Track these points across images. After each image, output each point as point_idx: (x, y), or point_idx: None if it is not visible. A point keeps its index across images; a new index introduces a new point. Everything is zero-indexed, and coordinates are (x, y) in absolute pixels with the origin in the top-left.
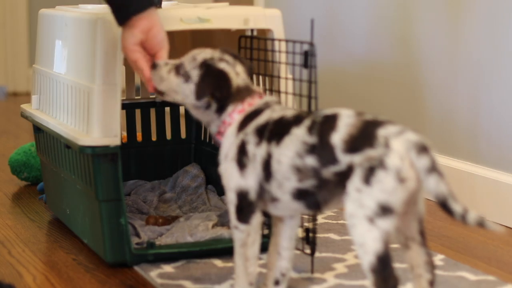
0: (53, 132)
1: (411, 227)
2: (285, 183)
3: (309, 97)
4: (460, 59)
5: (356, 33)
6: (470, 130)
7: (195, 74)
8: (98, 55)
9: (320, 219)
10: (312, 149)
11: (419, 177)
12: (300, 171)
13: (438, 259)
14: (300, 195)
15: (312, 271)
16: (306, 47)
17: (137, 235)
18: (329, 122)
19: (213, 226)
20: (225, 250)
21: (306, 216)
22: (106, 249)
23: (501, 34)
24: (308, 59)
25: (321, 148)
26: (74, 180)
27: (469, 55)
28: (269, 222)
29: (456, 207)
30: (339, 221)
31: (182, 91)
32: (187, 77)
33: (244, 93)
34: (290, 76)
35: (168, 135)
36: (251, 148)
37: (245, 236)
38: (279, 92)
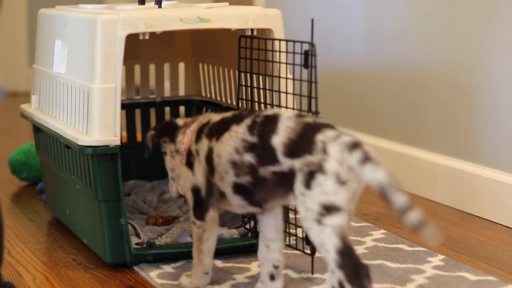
0: (52, 132)
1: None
2: (225, 176)
3: (309, 97)
4: (460, 58)
5: (356, 33)
6: (470, 130)
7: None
8: (98, 55)
9: None
10: (251, 147)
11: (359, 177)
12: (237, 166)
13: (439, 259)
14: (238, 189)
15: (312, 272)
16: (306, 47)
17: (137, 235)
18: (270, 123)
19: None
20: (225, 250)
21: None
22: (106, 249)
23: (501, 34)
24: (308, 59)
25: (261, 148)
26: (73, 180)
27: (469, 54)
28: (254, 228)
29: (398, 199)
30: None
31: (175, 165)
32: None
33: (185, 125)
34: (290, 76)
35: None
36: (193, 146)
37: (201, 231)
38: (279, 92)
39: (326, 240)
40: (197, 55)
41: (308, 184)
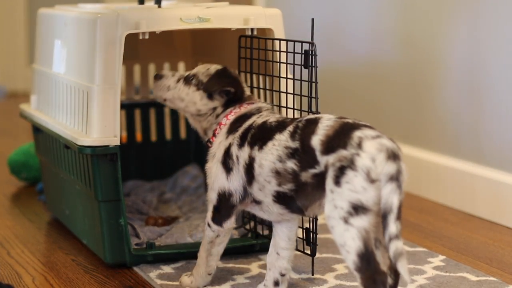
0: (52, 132)
1: (379, 229)
2: (266, 186)
3: (309, 97)
4: (462, 58)
5: (357, 33)
6: (472, 130)
7: (206, 80)
8: (98, 55)
9: (321, 220)
10: (293, 153)
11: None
12: (279, 174)
13: (439, 259)
14: (279, 198)
15: (312, 272)
16: (306, 46)
17: (137, 235)
18: (311, 126)
19: None
20: (225, 250)
21: (306, 217)
22: (105, 250)
23: (504, 34)
24: (308, 58)
25: (302, 152)
26: (73, 181)
27: (471, 54)
28: (270, 223)
29: (392, 228)
30: None
31: (191, 98)
32: (200, 85)
33: (244, 100)
34: (290, 76)
35: (168, 135)
36: (234, 150)
37: (214, 236)
38: (279, 92)
39: (349, 241)
40: (197, 55)
41: (337, 181)
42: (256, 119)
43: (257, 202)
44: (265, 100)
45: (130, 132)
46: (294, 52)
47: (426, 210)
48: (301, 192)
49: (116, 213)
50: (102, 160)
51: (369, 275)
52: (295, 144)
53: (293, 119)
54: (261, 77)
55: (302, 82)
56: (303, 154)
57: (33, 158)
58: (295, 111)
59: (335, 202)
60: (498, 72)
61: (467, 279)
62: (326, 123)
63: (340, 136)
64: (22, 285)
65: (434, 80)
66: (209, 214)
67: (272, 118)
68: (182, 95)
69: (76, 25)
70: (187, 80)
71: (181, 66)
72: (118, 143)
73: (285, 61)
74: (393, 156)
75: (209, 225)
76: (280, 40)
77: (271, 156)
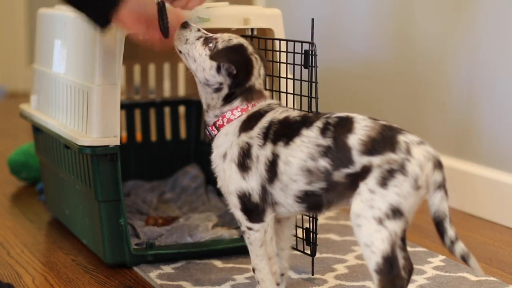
0: (52, 132)
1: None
2: (290, 185)
3: (309, 97)
4: (461, 58)
5: (356, 33)
6: (472, 130)
7: None
8: (98, 55)
9: (321, 219)
10: (326, 151)
11: (427, 188)
12: (311, 173)
13: (439, 259)
14: (305, 197)
15: (312, 272)
16: (306, 46)
17: (137, 235)
18: (345, 124)
19: (213, 227)
20: (225, 251)
21: (306, 217)
22: (105, 250)
23: (502, 33)
24: (308, 58)
25: (336, 150)
26: (73, 181)
27: (470, 54)
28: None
29: (450, 232)
30: (339, 222)
31: (201, 62)
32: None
33: (255, 95)
34: (290, 76)
35: (168, 135)
36: (255, 150)
37: (262, 234)
38: (279, 92)
39: (378, 243)
40: None
41: (384, 182)
42: (274, 115)
43: (274, 204)
44: None
45: (130, 132)
46: (294, 52)
47: (426, 210)
48: (332, 191)
49: (116, 213)
50: (102, 160)
51: (390, 279)
52: (327, 142)
53: (316, 115)
54: None
55: (302, 82)
56: (336, 153)
57: (33, 158)
58: (295, 111)
59: (373, 202)
60: (498, 72)
61: (467, 279)
62: (364, 122)
63: (386, 139)
64: (22, 285)
65: (434, 80)
66: (243, 219)
67: (292, 113)
68: (195, 54)
69: (76, 25)
70: (206, 42)
71: (181, 66)
72: (118, 143)
73: (285, 61)
74: (438, 164)
75: (250, 228)
76: (280, 40)
77: (301, 153)
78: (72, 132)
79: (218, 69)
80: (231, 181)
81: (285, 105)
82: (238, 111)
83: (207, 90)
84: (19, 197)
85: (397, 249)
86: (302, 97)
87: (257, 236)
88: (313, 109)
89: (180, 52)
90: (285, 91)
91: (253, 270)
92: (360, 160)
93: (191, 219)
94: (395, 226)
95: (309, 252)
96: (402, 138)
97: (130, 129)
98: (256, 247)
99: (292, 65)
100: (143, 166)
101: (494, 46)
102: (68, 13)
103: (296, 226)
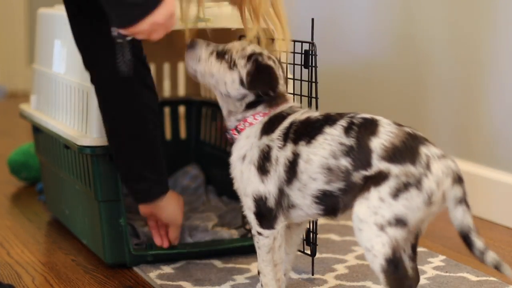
0: (52, 132)
1: (408, 241)
2: (309, 184)
3: (310, 97)
4: (461, 59)
5: (357, 33)
6: (472, 130)
7: (241, 63)
8: None
9: (321, 220)
10: (348, 151)
11: (442, 204)
12: (331, 172)
13: (439, 260)
14: (323, 197)
15: (312, 272)
16: (306, 46)
17: (137, 235)
18: (370, 126)
19: (213, 227)
20: (225, 251)
21: None
22: (105, 250)
23: (504, 34)
24: (308, 58)
25: (357, 151)
26: (73, 181)
27: (470, 55)
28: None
29: (478, 243)
30: (339, 222)
31: (222, 77)
32: (232, 65)
33: (279, 100)
34: (290, 76)
35: (168, 135)
36: (274, 152)
37: (271, 241)
38: None
39: (378, 246)
40: None
41: (396, 194)
42: (296, 116)
43: (291, 207)
44: None
45: None
46: (294, 52)
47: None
48: (349, 193)
49: (116, 213)
50: (102, 160)
51: (397, 278)
52: (349, 141)
53: (339, 114)
54: None
55: (302, 82)
56: (358, 154)
57: (33, 158)
58: (317, 111)
59: (378, 210)
60: (498, 73)
61: (467, 279)
62: (389, 128)
63: (408, 149)
64: (22, 285)
65: (434, 80)
66: (255, 223)
67: (314, 113)
68: (213, 70)
69: None
70: (220, 55)
71: (181, 66)
72: None
73: (285, 61)
74: (458, 179)
75: (260, 233)
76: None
77: (323, 151)
78: (72, 132)
79: (242, 82)
80: (249, 183)
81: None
82: (260, 115)
83: (229, 100)
84: (19, 197)
85: (401, 254)
86: (302, 97)
87: (265, 242)
88: (313, 109)
89: (196, 71)
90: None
91: (259, 273)
92: (377, 164)
93: (191, 219)
94: (396, 233)
95: (309, 252)
96: (424, 151)
97: None
98: (264, 252)
99: (292, 65)
100: None
101: (495, 47)
102: None
103: None
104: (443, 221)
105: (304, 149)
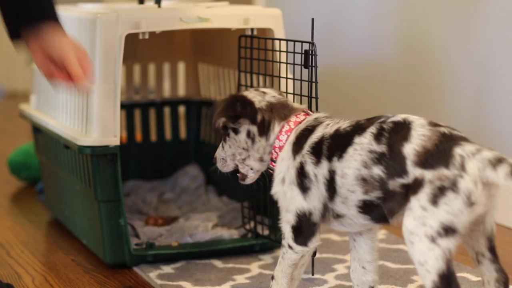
0: (52, 132)
1: (479, 243)
2: (350, 196)
3: (310, 97)
4: (463, 59)
5: (357, 33)
6: (473, 130)
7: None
8: (98, 55)
9: None
10: (379, 159)
11: (488, 201)
12: (366, 182)
13: None
14: (366, 207)
15: (312, 272)
16: (306, 46)
17: (137, 235)
18: (401, 130)
19: (213, 227)
20: (225, 251)
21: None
22: (105, 250)
23: (505, 34)
24: (308, 58)
25: (390, 158)
26: (73, 181)
27: (472, 55)
28: (270, 223)
29: None
30: None
31: (238, 143)
32: (235, 130)
33: (282, 110)
34: (290, 76)
35: (168, 135)
36: (310, 168)
37: (298, 257)
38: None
39: (432, 261)
40: (197, 55)
41: (435, 200)
42: (325, 130)
43: (338, 216)
44: None
45: (130, 132)
46: (294, 52)
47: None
48: (390, 200)
49: (116, 213)
50: (102, 160)
51: None
52: (381, 148)
53: (370, 120)
54: (261, 77)
55: (302, 82)
56: (390, 161)
57: (33, 158)
58: (346, 121)
59: (425, 220)
60: (499, 73)
61: (467, 279)
62: (421, 131)
63: (441, 153)
64: (22, 285)
65: (434, 80)
66: (290, 236)
67: (343, 124)
68: (232, 150)
69: (76, 25)
70: (224, 138)
71: (181, 66)
72: (118, 143)
73: (285, 61)
74: (498, 160)
75: (291, 247)
76: (280, 40)
77: (355, 162)
78: (72, 132)
79: (236, 131)
80: (293, 201)
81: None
82: (283, 135)
83: (252, 152)
84: (19, 197)
85: (452, 265)
86: (302, 97)
87: (293, 256)
88: (313, 109)
89: (237, 166)
90: (285, 91)
91: (272, 277)
92: (413, 171)
93: (191, 219)
94: (449, 243)
95: None
96: (458, 152)
97: (130, 129)
98: (286, 264)
99: (292, 65)
100: (143, 166)
101: (496, 46)
102: (68, 13)
103: None
104: None
105: (338, 165)
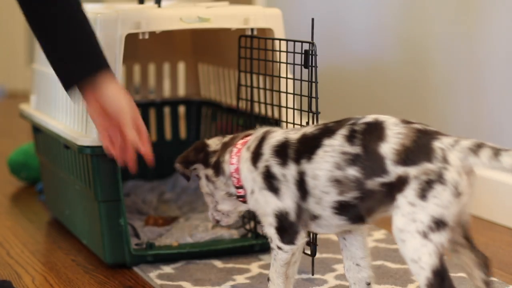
0: (52, 132)
1: (456, 233)
2: (324, 197)
3: (309, 97)
4: (463, 58)
5: (357, 32)
6: (472, 130)
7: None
8: None
9: None
10: (354, 160)
11: (470, 191)
12: (340, 183)
13: None
14: (341, 208)
15: (312, 272)
16: (306, 46)
17: (137, 235)
18: (375, 130)
19: (213, 227)
20: (225, 251)
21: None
22: (105, 250)
23: (504, 33)
24: (308, 58)
25: (366, 158)
26: (73, 181)
27: (472, 54)
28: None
29: None
30: None
31: (202, 189)
32: (198, 177)
33: (231, 141)
34: (290, 76)
35: (168, 135)
36: (276, 169)
37: (289, 256)
38: (279, 92)
39: (425, 257)
40: (197, 55)
41: (423, 195)
42: (287, 135)
43: (315, 217)
44: (265, 100)
45: None
46: (294, 52)
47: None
48: (368, 199)
49: (116, 213)
50: (102, 160)
51: None
52: (355, 150)
53: (339, 122)
54: (261, 77)
55: (302, 82)
56: (367, 161)
57: (33, 158)
58: (295, 111)
59: (414, 215)
60: (498, 72)
61: (468, 279)
62: (396, 129)
63: (421, 148)
64: (22, 285)
65: (435, 80)
66: (276, 237)
67: (309, 128)
68: (220, 197)
69: None
70: (210, 196)
71: (181, 66)
72: None
73: (285, 61)
74: (477, 146)
75: (280, 248)
76: (280, 40)
77: (326, 164)
78: (72, 132)
79: (198, 177)
80: (268, 204)
81: (285, 105)
82: (234, 158)
83: (217, 192)
84: (19, 197)
85: (444, 260)
86: (302, 97)
87: (283, 256)
88: (313, 109)
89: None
90: (285, 91)
91: (268, 279)
92: (394, 170)
93: (191, 219)
94: (441, 237)
95: (309, 252)
96: (437, 145)
97: None
98: (279, 265)
99: (292, 65)
100: (143, 166)
101: (495, 45)
102: None
103: None
104: None
105: (307, 167)
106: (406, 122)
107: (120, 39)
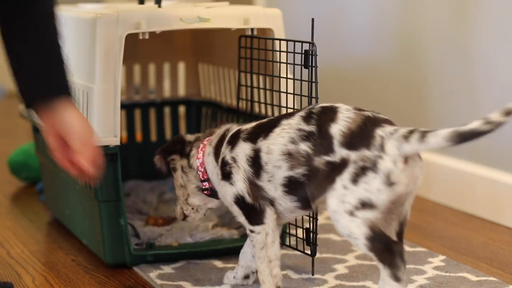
0: None
1: (391, 227)
2: (276, 173)
3: (310, 97)
4: (462, 57)
5: (357, 33)
6: None
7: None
8: (98, 55)
9: (321, 220)
10: (308, 136)
11: (410, 182)
12: (292, 156)
13: (439, 259)
14: (291, 186)
15: (312, 273)
16: (306, 46)
17: (137, 235)
18: (329, 112)
19: (213, 227)
20: (225, 250)
21: (306, 217)
22: (105, 250)
23: (505, 34)
24: (308, 58)
25: (318, 136)
26: (73, 181)
27: (471, 53)
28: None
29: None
30: None
31: (176, 181)
32: (174, 169)
33: (202, 136)
34: (290, 76)
35: (168, 135)
36: (227, 155)
37: (263, 236)
38: (279, 92)
39: (355, 229)
40: (197, 55)
41: (355, 179)
42: (243, 127)
43: (271, 203)
44: (265, 100)
45: (130, 132)
46: (294, 52)
47: (426, 210)
48: (313, 178)
49: (116, 213)
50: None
51: (383, 248)
52: (310, 128)
53: (297, 110)
54: (261, 77)
55: (302, 82)
56: (319, 139)
57: (33, 158)
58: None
59: (344, 197)
60: (498, 72)
61: (467, 279)
62: (347, 114)
63: (364, 134)
64: (22, 285)
65: (434, 79)
66: (245, 222)
67: (262, 120)
68: (191, 189)
69: (76, 25)
70: (182, 195)
71: (181, 66)
72: (118, 143)
73: (285, 61)
74: (409, 132)
75: (252, 231)
76: (280, 40)
77: (281, 139)
78: None
79: (174, 170)
80: (228, 194)
81: (285, 105)
82: (199, 153)
83: (188, 185)
84: (19, 197)
85: (380, 228)
86: (302, 97)
87: (258, 238)
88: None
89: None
90: (285, 91)
91: (257, 271)
92: (340, 152)
93: None
94: (367, 214)
95: (309, 252)
96: (378, 133)
97: (130, 129)
98: (258, 249)
99: (292, 65)
100: (143, 166)
101: (496, 46)
102: (68, 13)
103: (296, 226)
104: (442, 221)
105: (263, 143)
106: (358, 109)
107: (120, 39)
